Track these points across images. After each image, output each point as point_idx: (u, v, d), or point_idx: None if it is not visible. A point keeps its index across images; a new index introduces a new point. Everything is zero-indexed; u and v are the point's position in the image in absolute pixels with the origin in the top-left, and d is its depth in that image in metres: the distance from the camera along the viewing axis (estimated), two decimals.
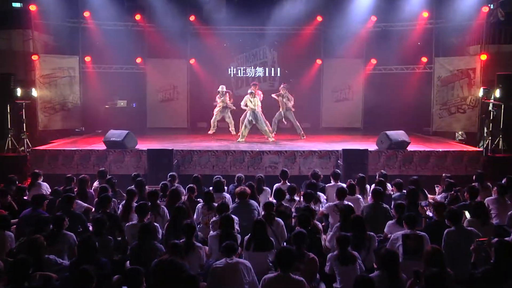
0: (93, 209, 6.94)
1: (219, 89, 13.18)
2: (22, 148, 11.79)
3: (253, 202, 6.70)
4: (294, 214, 6.51)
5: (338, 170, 8.69)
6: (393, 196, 7.41)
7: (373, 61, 15.81)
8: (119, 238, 5.99)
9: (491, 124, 12.03)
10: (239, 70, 16.79)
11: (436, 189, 8.30)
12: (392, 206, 6.38)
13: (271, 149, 10.82)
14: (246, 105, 12.43)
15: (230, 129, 13.27)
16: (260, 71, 16.82)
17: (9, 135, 11.90)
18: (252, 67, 16.81)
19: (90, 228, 6.04)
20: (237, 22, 15.40)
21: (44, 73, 14.16)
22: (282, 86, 13.47)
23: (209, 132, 13.29)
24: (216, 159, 10.51)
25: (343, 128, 15.53)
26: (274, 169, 10.28)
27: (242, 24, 15.65)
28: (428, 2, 14.40)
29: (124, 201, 6.85)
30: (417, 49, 15.21)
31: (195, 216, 6.63)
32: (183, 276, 4.30)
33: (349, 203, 6.42)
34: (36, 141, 12.63)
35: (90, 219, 6.47)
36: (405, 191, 7.21)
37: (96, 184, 8.22)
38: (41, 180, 8.31)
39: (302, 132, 13.33)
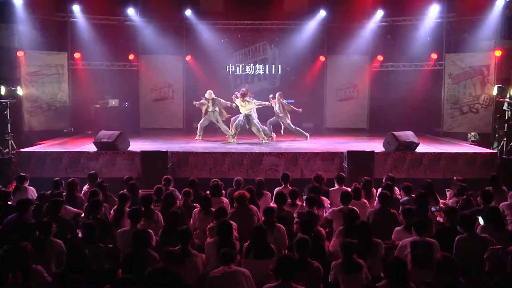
0: (83, 215, 6.92)
1: (207, 96, 13.08)
2: (7, 150, 11.78)
3: (252, 207, 6.69)
4: (296, 219, 6.49)
5: (342, 173, 8.67)
6: (401, 200, 7.39)
7: (380, 57, 15.84)
8: (111, 246, 5.96)
9: (506, 125, 12.03)
10: (237, 68, 16.81)
11: (447, 193, 8.29)
12: (400, 211, 6.36)
13: (272, 151, 10.81)
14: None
15: (223, 130, 13.22)
16: (260, 68, 16.84)
17: None
18: (252, 64, 16.82)
19: (80, 235, 6.02)
20: (236, 16, 15.43)
21: (30, 71, 14.16)
22: (278, 93, 13.32)
23: (196, 138, 13.22)
24: (214, 162, 10.50)
25: (348, 129, 15.54)
26: (275, 172, 10.26)
27: (241, 18, 15.68)
28: None
29: (116, 206, 6.83)
30: (427, 45, 15.23)
31: (191, 222, 6.62)
32: (179, 286, 4.29)
33: (354, 208, 6.40)
34: (22, 142, 12.64)
35: (79, 225, 6.45)
36: (414, 195, 7.20)
37: (86, 188, 8.20)
38: (27, 184, 8.29)
39: (305, 133, 13.28)
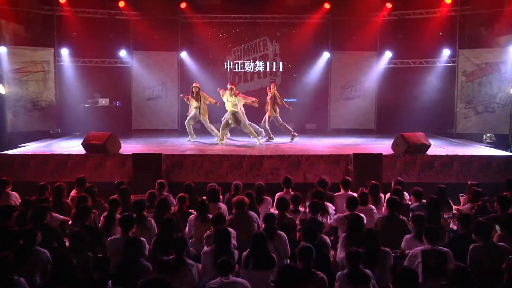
0: (70, 222, 6.91)
1: (195, 85, 12.99)
2: None
3: (252, 213, 6.69)
4: (298, 227, 6.48)
5: (348, 177, 8.67)
6: (411, 206, 7.39)
7: (388, 54, 15.86)
8: (100, 255, 5.95)
9: None
10: (236, 64, 16.83)
11: (461, 198, 8.28)
12: (410, 218, 6.36)
13: (273, 154, 10.81)
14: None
15: (211, 133, 13.20)
16: (260, 65, 16.86)
17: None
18: (251, 61, 16.85)
19: (67, 243, 6.01)
20: (234, 9, 15.45)
21: (14, 68, 14.16)
22: (273, 84, 13.36)
23: (188, 139, 13.22)
24: (211, 165, 10.50)
25: (354, 130, 15.55)
26: (276, 176, 10.25)
27: (239, 12, 15.70)
28: None
29: (106, 213, 6.82)
30: (439, 40, 15.26)
31: (186, 229, 6.62)
32: None
33: (361, 214, 6.40)
34: (4, 144, 12.63)
35: (66, 233, 6.43)
36: (425, 201, 7.19)
37: (73, 193, 8.19)
38: (10, 189, 8.26)
39: (293, 132, 13.24)
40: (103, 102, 15.91)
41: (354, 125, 15.99)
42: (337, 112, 16.31)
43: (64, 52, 15.26)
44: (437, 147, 11.85)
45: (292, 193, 7.64)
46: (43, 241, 5.61)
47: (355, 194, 7.47)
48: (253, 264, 5.20)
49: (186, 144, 12.69)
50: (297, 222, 6.65)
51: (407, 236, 5.99)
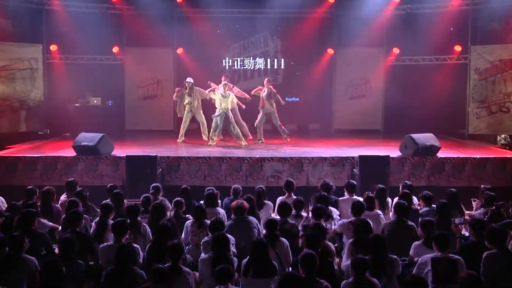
0: (60, 228, 6.92)
1: (188, 80, 13.05)
2: None
3: (252, 218, 6.70)
4: (301, 233, 6.49)
5: (353, 181, 8.67)
6: (420, 211, 7.40)
7: (396, 50, 15.85)
8: (92, 263, 5.96)
9: None
10: (235, 62, 16.83)
11: (473, 203, 8.29)
12: (419, 224, 6.36)
13: (274, 156, 10.81)
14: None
15: (201, 130, 13.21)
16: (260, 62, 16.87)
17: None
18: (251, 58, 16.86)
19: (56, 250, 6.01)
20: (233, 4, 15.43)
21: (0, 65, 14.16)
22: (267, 80, 13.38)
23: (178, 140, 13.28)
24: (209, 168, 10.50)
25: (360, 131, 15.54)
26: (278, 180, 10.27)
27: (239, 6, 15.68)
28: None
29: (97, 218, 6.83)
30: (450, 36, 15.22)
31: (183, 236, 6.62)
32: None
33: (367, 219, 6.40)
34: None
35: (56, 239, 6.44)
36: (435, 205, 7.19)
37: (63, 197, 8.20)
38: None
39: (287, 133, 13.26)
40: (95, 101, 15.91)
41: (360, 125, 15.97)
42: (341, 112, 16.29)
43: (53, 48, 15.24)
44: (448, 149, 11.84)
45: (294, 197, 7.65)
46: (30, 248, 5.62)
47: (361, 199, 7.48)
48: (253, 272, 5.20)
49: (183, 146, 12.68)
50: (300, 228, 6.67)
51: (416, 243, 6.00)
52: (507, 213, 7.08)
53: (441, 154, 10.85)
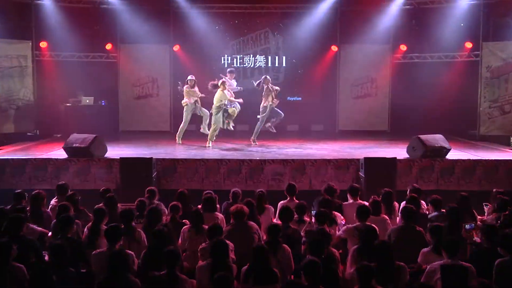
0: (50, 234, 6.91)
1: (189, 78, 13.08)
2: None
3: (252, 224, 6.69)
4: (304, 239, 6.49)
5: (356, 185, 8.66)
6: (429, 216, 7.39)
7: (403, 47, 15.89)
8: (84, 270, 5.94)
9: None
10: (235, 59, 16.85)
11: (485, 208, 8.28)
12: (427, 229, 6.35)
13: (275, 158, 10.82)
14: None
15: (204, 123, 13.23)
16: (261, 60, 16.90)
17: None
18: (251, 55, 16.88)
19: (46, 257, 6.00)
20: None
21: None
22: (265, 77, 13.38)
23: (178, 142, 13.30)
24: (206, 170, 10.50)
25: (365, 132, 15.56)
26: (279, 183, 10.27)
27: (238, 1, 15.71)
28: None
29: (90, 223, 6.82)
30: (460, 32, 15.22)
31: (179, 242, 6.61)
32: None
33: (373, 225, 6.40)
34: None
35: (46, 246, 6.43)
36: (444, 210, 7.19)
37: (54, 201, 8.19)
38: None
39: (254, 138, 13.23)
40: (87, 101, 15.91)
41: (365, 126, 15.99)
42: (346, 112, 16.32)
43: (43, 45, 15.27)
44: (458, 151, 11.85)
45: (297, 201, 7.64)
46: (19, 255, 5.60)
47: (367, 203, 7.47)
48: (254, 280, 5.19)
49: (179, 148, 12.69)
50: (302, 233, 6.66)
51: (425, 249, 5.99)
52: None
53: (450, 156, 10.85)
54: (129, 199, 8.50)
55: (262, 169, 10.51)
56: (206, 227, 6.33)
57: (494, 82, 14.57)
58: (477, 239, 6.69)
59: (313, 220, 6.97)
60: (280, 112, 12.87)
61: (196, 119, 13.50)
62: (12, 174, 10.54)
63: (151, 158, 10.17)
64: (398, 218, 7.38)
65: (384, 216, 7.31)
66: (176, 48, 16.12)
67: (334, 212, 7.40)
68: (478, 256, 5.76)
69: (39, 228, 7.03)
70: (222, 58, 16.82)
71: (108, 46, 15.84)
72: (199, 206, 7.40)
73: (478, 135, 14.78)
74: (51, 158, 10.77)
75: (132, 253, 5.79)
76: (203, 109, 13.16)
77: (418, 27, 15.48)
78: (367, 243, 5.81)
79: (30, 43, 14.95)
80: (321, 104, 16.29)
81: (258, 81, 13.04)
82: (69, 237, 6.23)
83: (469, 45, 15.28)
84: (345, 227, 6.97)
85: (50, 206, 8.06)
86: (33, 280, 4.81)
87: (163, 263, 5.26)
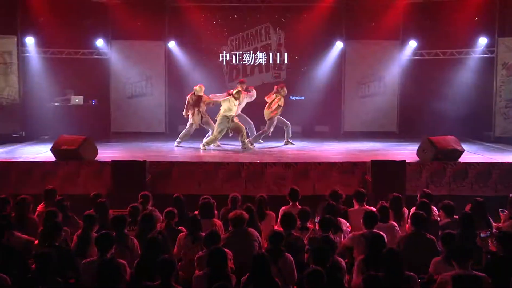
0: (37, 242, 6.91)
1: (197, 87, 13.13)
2: None
3: (252, 231, 6.69)
4: (307, 247, 6.48)
5: (362, 189, 8.66)
6: (440, 223, 7.39)
7: (413, 43, 15.87)
8: (72, 281, 5.95)
9: None
10: (234, 56, 16.85)
11: (502, 214, 8.27)
12: (439, 237, 6.35)
13: (277, 161, 10.82)
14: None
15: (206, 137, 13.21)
16: (261, 57, 16.89)
17: None
18: (251, 52, 16.88)
19: (32, 267, 5.99)
20: None
21: None
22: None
23: (175, 145, 13.33)
24: (204, 174, 10.50)
25: (372, 133, 15.58)
26: (281, 187, 10.26)
27: None
28: None
29: (79, 231, 6.82)
30: (474, 26, 15.23)
31: (175, 250, 6.63)
32: None
33: (380, 232, 6.40)
34: None
35: (32, 255, 6.42)
36: (457, 216, 7.18)
37: (41, 207, 8.19)
38: None
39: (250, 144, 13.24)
40: (77, 100, 15.91)
41: (373, 127, 16.00)
42: (352, 112, 16.32)
43: (30, 41, 15.25)
44: (472, 153, 11.86)
45: (300, 207, 7.65)
46: (2, 265, 5.60)
47: (374, 209, 7.47)
48: None
49: (175, 150, 12.69)
50: (305, 241, 6.66)
51: (436, 258, 5.98)
52: None
53: (464, 159, 10.85)
54: (121, 205, 8.49)
55: (263, 172, 10.51)
56: (203, 234, 6.32)
57: (511, 80, 14.56)
58: (492, 247, 6.69)
59: (317, 227, 6.98)
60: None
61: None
62: None
63: (145, 161, 10.18)
64: (407, 225, 7.39)
65: (393, 222, 7.31)
66: (171, 44, 16.12)
67: (339, 218, 7.40)
68: (494, 265, 5.75)
69: (25, 236, 7.01)
70: (220, 55, 16.79)
71: (99, 42, 15.83)
72: (196, 212, 7.41)
73: (494, 136, 14.79)
74: (38, 161, 10.77)
75: (125, 262, 5.77)
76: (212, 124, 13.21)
77: (429, 21, 15.47)
78: (375, 251, 5.81)
79: (15, 39, 14.93)
80: (326, 104, 16.27)
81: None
82: (57, 246, 6.22)
83: (483, 40, 15.26)
84: (351, 234, 6.97)
85: (36, 212, 8.06)
86: None
87: (158, 273, 5.26)
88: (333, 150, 12.76)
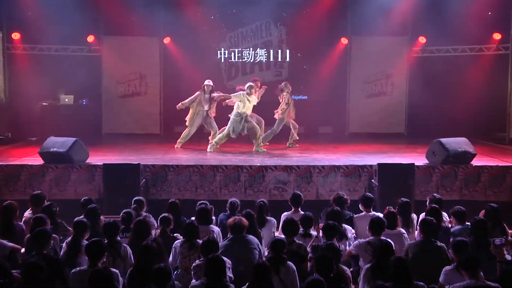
0: (23, 250, 6.91)
1: (206, 83, 13.13)
2: None
3: (252, 238, 6.71)
4: (310, 255, 6.49)
5: (369, 194, 8.66)
6: (451, 230, 7.39)
7: (422, 39, 15.89)
8: None
9: None
10: (232, 53, 16.87)
11: None
12: (450, 245, 6.35)
13: (278, 164, 10.82)
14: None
15: (210, 139, 13.20)
16: (262, 54, 16.92)
17: None
18: (251, 49, 16.90)
19: (16, 277, 5.99)
20: None
21: None
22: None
23: (176, 146, 13.33)
24: (201, 178, 10.51)
25: (379, 134, 15.59)
26: (282, 192, 10.29)
27: None
28: None
29: (69, 238, 6.82)
30: (487, 21, 15.21)
31: (170, 258, 6.63)
32: None
33: (388, 240, 6.40)
34: None
35: (18, 264, 6.42)
36: (469, 223, 7.18)
37: (28, 213, 8.19)
38: None
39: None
40: (66, 100, 15.90)
41: (379, 128, 16.01)
42: (357, 113, 16.34)
43: (16, 36, 15.28)
44: (485, 156, 11.85)
45: (302, 213, 7.66)
46: None
47: (381, 215, 7.47)
48: None
49: (171, 153, 12.69)
50: (309, 249, 6.67)
51: (447, 267, 5.98)
52: None
53: (476, 162, 10.85)
54: (114, 211, 8.51)
55: (263, 176, 10.51)
56: (200, 242, 6.33)
57: None
58: (508, 256, 6.68)
59: (320, 234, 6.98)
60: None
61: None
62: None
63: (139, 164, 10.17)
64: (416, 232, 7.38)
65: (401, 229, 7.32)
66: (166, 40, 16.14)
67: (344, 225, 7.42)
68: (509, 275, 5.75)
69: (10, 244, 7.01)
70: (218, 52, 16.82)
71: (90, 38, 15.85)
72: (193, 218, 7.40)
73: (508, 138, 14.79)
74: (25, 165, 10.75)
75: (117, 271, 5.78)
76: (215, 126, 13.24)
77: (439, 16, 15.46)
78: (382, 260, 5.81)
79: (1, 34, 14.95)
80: (330, 104, 16.29)
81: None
82: (45, 254, 6.22)
83: (497, 36, 15.27)
84: (356, 242, 6.98)
85: (23, 219, 8.06)
86: None
87: (152, 283, 5.26)
88: (338, 153, 12.74)
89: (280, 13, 16.64)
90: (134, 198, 8.35)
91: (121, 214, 7.63)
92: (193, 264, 6.16)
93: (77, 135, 11.34)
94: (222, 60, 16.85)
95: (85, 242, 6.45)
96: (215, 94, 12.97)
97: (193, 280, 5.80)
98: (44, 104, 15.80)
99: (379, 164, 10.18)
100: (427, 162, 10.96)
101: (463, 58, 15.68)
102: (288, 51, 16.91)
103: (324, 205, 8.62)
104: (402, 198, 8.14)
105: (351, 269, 6.60)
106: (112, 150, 12.93)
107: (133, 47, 16.09)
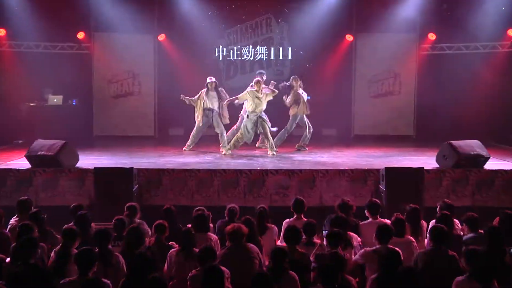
0: (8, 259, 6.90)
1: (209, 80, 13.15)
2: None
3: (252, 246, 6.70)
4: (313, 264, 6.48)
5: (376, 200, 8.66)
6: (463, 238, 7.39)
7: (432, 36, 15.91)
8: None
9: None
10: (231, 51, 16.90)
11: None
12: (462, 254, 6.35)
13: (279, 168, 10.82)
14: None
15: (220, 141, 13.23)
16: (262, 51, 16.95)
17: None
18: (251, 46, 16.93)
19: None
20: None
21: None
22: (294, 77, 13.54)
23: (185, 148, 13.38)
24: (198, 183, 10.51)
25: (386, 137, 15.60)
26: (284, 198, 10.28)
27: None
28: None
29: (58, 247, 6.82)
30: (501, 17, 15.22)
31: (165, 268, 6.64)
32: None
33: (396, 248, 6.40)
34: None
35: (3, 274, 6.42)
36: (482, 231, 7.18)
37: (14, 220, 8.18)
38: None
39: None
40: (55, 100, 15.93)
41: (386, 130, 16.03)
42: (363, 114, 16.36)
43: (1, 33, 15.30)
44: (499, 160, 11.85)
45: (305, 220, 7.66)
46: None
47: (388, 222, 7.47)
48: None
49: (166, 156, 12.69)
50: (312, 258, 6.66)
51: (459, 278, 5.96)
52: None
53: (489, 165, 10.85)
54: (105, 217, 8.50)
55: (264, 181, 10.51)
56: (197, 250, 6.33)
57: None
58: None
59: (324, 242, 6.98)
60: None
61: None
62: None
63: (132, 168, 10.18)
64: (426, 240, 7.39)
65: (410, 237, 7.31)
66: (161, 37, 16.17)
67: (349, 232, 7.41)
68: None
69: None
70: (216, 49, 16.85)
71: (80, 35, 15.88)
72: (189, 226, 7.40)
73: None
74: (11, 169, 10.75)
75: (109, 282, 5.77)
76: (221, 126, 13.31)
77: (450, 12, 15.49)
78: (389, 269, 5.81)
79: None
80: (334, 104, 16.27)
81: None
82: (32, 263, 6.20)
83: (511, 33, 15.29)
84: (362, 250, 6.97)
85: (9, 226, 8.06)
86: None
87: None
88: (342, 156, 12.75)
89: (282, 9, 16.70)
90: (127, 204, 8.34)
91: (113, 221, 7.63)
92: (190, 274, 6.15)
93: (67, 138, 11.35)
94: (220, 58, 16.88)
95: (74, 250, 6.46)
96: (222, 94, 13.07)
97: None
98: (31, 104, 15.83)
99: (386, 168, 10.18)
100: (437, 166, 10.96)
101: (475, 56, 15.70)
102: (290, 48, 16.95)
103: (328, 211, 8.60)
104: (411, 204, 8.14)
105: (357, 280, 6.59)
106: (103, 154, 12.95)
107: (125, 45, 16.09)
